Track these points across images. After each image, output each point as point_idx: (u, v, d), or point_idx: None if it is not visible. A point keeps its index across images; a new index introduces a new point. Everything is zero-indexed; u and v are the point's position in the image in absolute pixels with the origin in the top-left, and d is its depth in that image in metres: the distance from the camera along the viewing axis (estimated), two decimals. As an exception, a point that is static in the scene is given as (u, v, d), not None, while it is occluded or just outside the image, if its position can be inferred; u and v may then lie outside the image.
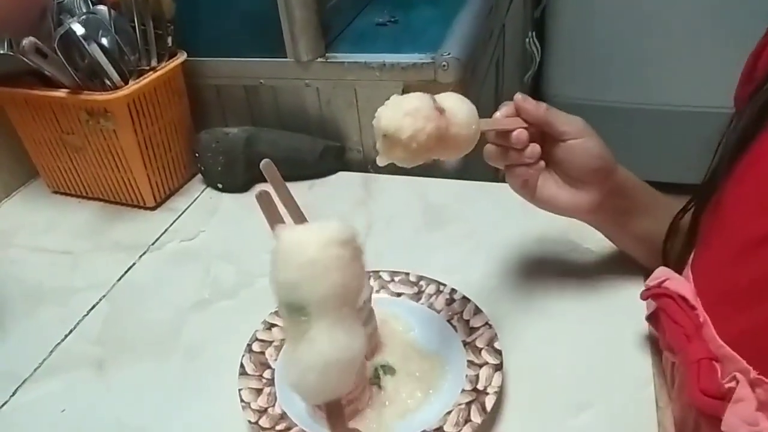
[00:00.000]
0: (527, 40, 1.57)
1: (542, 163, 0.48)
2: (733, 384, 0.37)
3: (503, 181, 0.52)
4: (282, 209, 0.43)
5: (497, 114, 0.48)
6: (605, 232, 0.56)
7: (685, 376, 0.41)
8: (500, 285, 0.58)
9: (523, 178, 0.49)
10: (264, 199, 0.39)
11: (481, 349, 0.49)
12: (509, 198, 0.71)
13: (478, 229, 0.66)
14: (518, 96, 0.47)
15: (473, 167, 0.80)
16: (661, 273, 0.46)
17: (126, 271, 0.65)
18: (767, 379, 0.35)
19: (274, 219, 0.39)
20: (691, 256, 0.45)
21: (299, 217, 0.45)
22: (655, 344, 0.50)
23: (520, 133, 0.46)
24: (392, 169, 0.78)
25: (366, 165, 0.80)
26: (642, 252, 0.56)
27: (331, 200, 0.74)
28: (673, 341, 0.42)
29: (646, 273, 0.50)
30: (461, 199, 0.72)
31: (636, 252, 0.57)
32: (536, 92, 2.05)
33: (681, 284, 0.44)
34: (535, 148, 0.47)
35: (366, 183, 0.76)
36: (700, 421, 0.40)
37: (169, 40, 0.72)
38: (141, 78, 0.68)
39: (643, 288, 0.47)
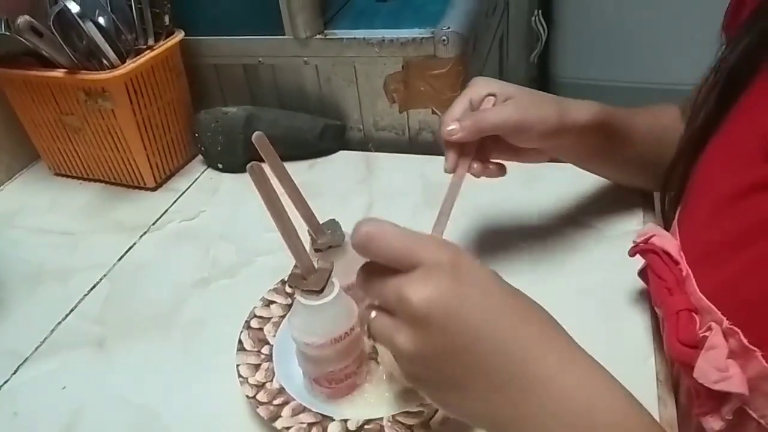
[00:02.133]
0: (533, 18, 1.55)
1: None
2: (707, 333, 0.37)
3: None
4: (276, 184, 0.42)
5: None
6: (588, 168, 0.58)
7: (666, 328, 0.41)
8: (497, 260, 0.58)
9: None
10: (257, 172, 0.38)
11: (480, 323, 0.48)
12: (508, 177, 0.71)
13: (475, 205, 0.66)
14: (447, 131, 0.47)
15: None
16: (649, 229, 0.46)
17: (127, 251, 0.65)
18: (738, 329, 0.36)
19: (267, 192, 0.39)
20: (678, 210, 0.45)
21: (293, 191, 0.44)
22: (654, 314, 0.50)
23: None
24: (393, 148, 0.79)
25: (367, 143, 0.79)
26: (630, 177, 0.59)
27: (332, 179, 0.73)
28: (656, 295, 0.43)
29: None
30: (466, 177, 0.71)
31: (626, 179, 0.59)
32: (543, 71, 2.03)
33: (666, 240, 0.44)
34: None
35: (367, 161, 0.75)
36: (680, 372, 0.40)
37: (166, 18, 0.71)
38: (138, 57, 0.68)
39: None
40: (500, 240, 0.61)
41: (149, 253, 0.65)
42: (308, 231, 0.47)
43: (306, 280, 0.42)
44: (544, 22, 1.62)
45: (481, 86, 0.49)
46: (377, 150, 0.78)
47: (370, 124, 0.78)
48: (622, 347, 0.48)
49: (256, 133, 0.42)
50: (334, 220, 0.48)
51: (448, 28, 0.69)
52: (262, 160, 0.43)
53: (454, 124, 0.47)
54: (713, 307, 0.38)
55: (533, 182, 0.67)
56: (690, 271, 0.41)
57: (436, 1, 0.78)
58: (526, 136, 0.48)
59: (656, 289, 0.43)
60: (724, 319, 0.37)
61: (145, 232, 0.68)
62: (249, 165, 0.38)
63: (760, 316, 0.35)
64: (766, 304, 0.35)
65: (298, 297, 0.42)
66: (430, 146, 0.77)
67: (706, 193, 0.42)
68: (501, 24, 1.08)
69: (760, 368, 0.34)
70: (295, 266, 0.42)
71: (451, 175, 0.51)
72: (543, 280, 0.55)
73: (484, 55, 0.91)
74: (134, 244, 0.66)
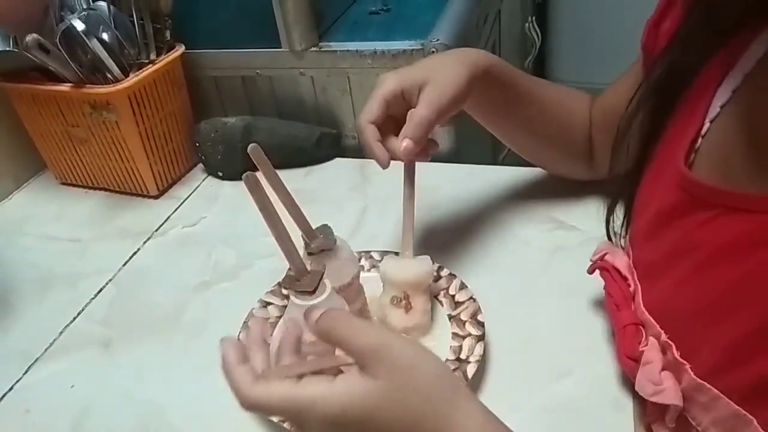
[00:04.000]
0: (527, 25, 1.58)
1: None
2: (646, 348, 0.40)
3: (495, 164, 0.56)
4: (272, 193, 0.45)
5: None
6: (496, 130, 0.61)
7: (615, 342, 0.44)
8: (486, 262, 0.61)
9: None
10: (251, 182, 0.41)
11: (465, 321, 0.51)
12: (497, 180, 0.74)
13: (466, 209, 0.68)
14: (405, 152, 0.50)
15: (464, 152, 0.82)
16: (603, 247, 0.49)
17: (131, 257, 0.68)
18: (673, 343, 0.38)
19: (261, 200, 0.42)
20: (630, 227, 0.48)
21: (287, 198, 0.47)
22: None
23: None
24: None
25: (361, 151, 0.82)
26: (539, 151, 0.64)
27: (328, 186, 0.76)
28: (607, 310, 0.46)
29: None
30: (452, 181, 0.74)
31: (525, 146, 0.64)
32: (538, 75, 2.06)
33: (618, 257, 0.47)
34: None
35: (362, 168, 0.78)
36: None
37: (167, 33, 0.74)
38: (141, 71, 0.71)
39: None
40: (484, 248, 0.63)
41: (152, 258, 0.68)
42: (302, 235, 0.50)
43: (299, 282, 0.44)
44: (538, 28, 1.65)
45: (391, 83, 0.50)
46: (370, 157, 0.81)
47: (365, 132, 0.81)
48: (602, 343, 0.51)
49: (251, 144, 0.45)
50: (326, 225, 0.51)
51: (437, 40, 0.72)
52: (258, 170, 0.46)
53: (406, 142, 0.49)
54: (653, 321, 0.41)
55: (515, 188, 0.70)
56: (639, 286, 0.44)
57: (426, 13, 0.81)
58: (454, 108, 0.51)
59: (607, 304, 0.47)
60: (663, 332, 0.40)
61: (148, 238, 0.71)
62: (244, 175, 0.41)
63: (688, 331, 0.38)
64: (692, 320, 0.38)
65: (292, 297, 0.45)
66: (423, 153, 0.79)
67: (643, 213, 0.45)
68: (493, 32, 1.11)
69: (691, 380, 0.37)
70: (290, 269, 0.45)
71: (404, 199, 0.56)
72: (529, 281, 0.58)
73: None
74: (138, 249, 0.69)
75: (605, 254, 0.48)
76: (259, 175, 0.45)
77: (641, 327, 0.43)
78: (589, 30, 1.98)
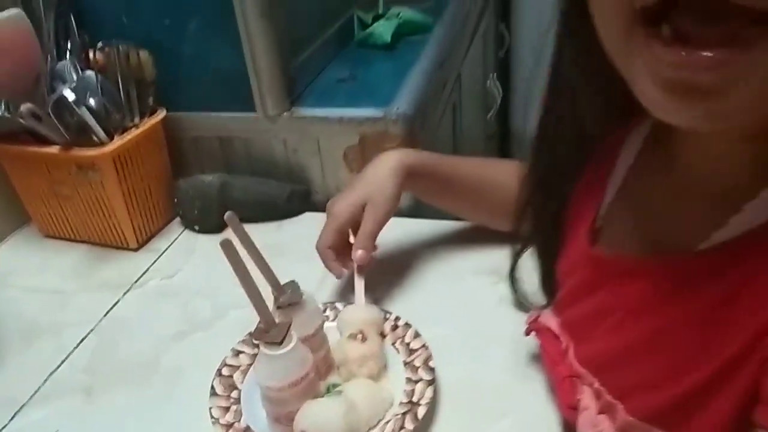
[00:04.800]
0: (488, 81, 1.69)
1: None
2: (582, 396, 0.46)
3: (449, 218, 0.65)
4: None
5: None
6: (433, 205, 0.73)
7: (556, 394, 0.50)
8: (439, 312, 0.67)
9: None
10: (227, 247, 0.47)
11: (418, 367, 0.57)
12: (452, 235, 0.81)
13: (423, 262, 0.75)
14: (359, 259, 0.65)
15: (424, 208, 0.89)
16: (534, 311, 0.55)
17: (112, 307, 0.73)
18: (604, 389, 0.44)
19: (236, 263, 0.48)
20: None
21: (258, 258, 0.53)
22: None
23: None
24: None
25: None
26: (474, 218, 0.75)
27: (298, 239, 0.82)
28: (545, 366, 0.53)
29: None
30: (412, 235, 0.81)
31: (467, 217, 0.76)
32: (502, 127, 2.16)
33: (549, 318, 0.53)
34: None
35: (328, 223, 0.84)
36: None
37: (150, 99, 0.81)
38: (125, 134, 0.77)
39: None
40: (437, 299, 0.70)
41: (132, 308, 0.73)
42: (272, 291, 0.55)
43: (268, 333, 0.50)
44: (499, 84, 1.76)
45: (339, 215, 0.66)
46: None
47: (332, 188, 0.87)
48: (540, 384, 0.57)
49: (227, 212, 0.52)
50: (293, 281, 0.57)
51: (398, 108, 0.80)
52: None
53: (360, 252, 0.65)
54: (586, 372, 0.47)
55: (468, 242, 0.77)
56: (570, 342, 0.50)
57: (389, 82, 0.89)
58: (392, 213, 0.66)
59: (545, 360, 0.53)
60: (595, 380, 0.46)
61: (128, 290, 0.75)
62: (221, 241, 0.47)
63: (616, 377, 0.44)
64: (618, 368, 0.44)
65: (262, 348, 0.50)
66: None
67: (564, 284, 0.52)
68: (453, 93, 1.20)
69: (624, 418, 0.42)
70: (260, 322, 0.51)
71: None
72: (479, 329, 0.64)
73: (436, 124, 1.02)
74: (118, 300, 0.74)
75: (538, 316, 0.55)
76: (234, 238, 0.51)
77: (576, 378, 0.48)
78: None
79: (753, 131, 0.35)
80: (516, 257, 0.59)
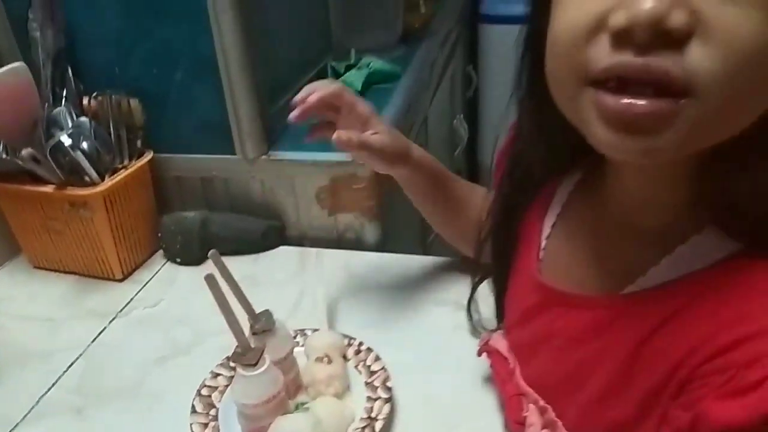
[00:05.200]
0: (455, 121, 1.79)
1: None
2: (528, 413, 0.52)
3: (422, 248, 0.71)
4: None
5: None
6: (419, 205, 0.74)
7: (504, 411, 0.57)
8: (400, 338, 0.74)
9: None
10: (210, 281, 0.55)
11: (377, 387, 0.64)
12: (416, 269, 0.88)
13: (387, 293, 0.83)
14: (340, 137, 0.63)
15: (391, 243, 0.97)
16: (486, 334, 0.62)
17: (99, 334, 0.79)
18: (549, 406, 0.50)
19: (218, 295, 0.55)
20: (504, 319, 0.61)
21: (237, 290, 0.61)
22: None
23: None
24: (324, 245, 0.96)
25: (302, 240, 0.96)
26: (447, 230, 0.77)
27: (273, 271, 0.90)
28: (495, 385, 0.59)
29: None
30: (378, 268, 0.88)
31: (445, 232, 0.77)
32: (471, 162, 2.27)
33: (498, 340, 0.59)
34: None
35: (301, 256, 0.92)
36: None
37: (139, 142, 0.88)
38: (115, 175, 0.84)
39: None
40: (399, 326, 0.77)
41: (118, 335, 0.79)
42: (248, 318, 0.63)
43: (245, 356, 0.57)
44: (466, 123, 1.86)
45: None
46: (312, 245, 0.95)
47: (306, 225, 0.95)
48: (491, 399, 0.65)
49: (211, 251, 0.59)
50: (267, 310, 0.64)
51: (365, 153, 0.88)
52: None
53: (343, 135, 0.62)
54: (532, 391, 0.52)
55: (430, 275, 0.85)
56: (517, 364, 0.55)
57: None
58: (387, 160, 0.66)
59: (496, 379, 0.58)
60: (539, 399, 0.51)
61: (114, 318, 0.82)
62: (205, 275, 0.55)
63: (558, 397, 0.50)
64: (560, 388, 0.50)
65: (239, 369, 0.57)
66: (354, 243, 0.94)
67: (513, 309, 0.58)
68: (420, 134, 1.29)
69: None
70: (237, 346, 0.58)
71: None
72: (436, 353, 0.72)
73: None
74: (105, 328, 0.80)
75: (489, 339, 0.61)
76: (216, 271, 0.58)
77: (523, 396, 0.54)
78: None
79: (678, 173, 0.41)
80: (475, 286, 0.66)
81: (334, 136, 0.62)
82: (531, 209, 0.57)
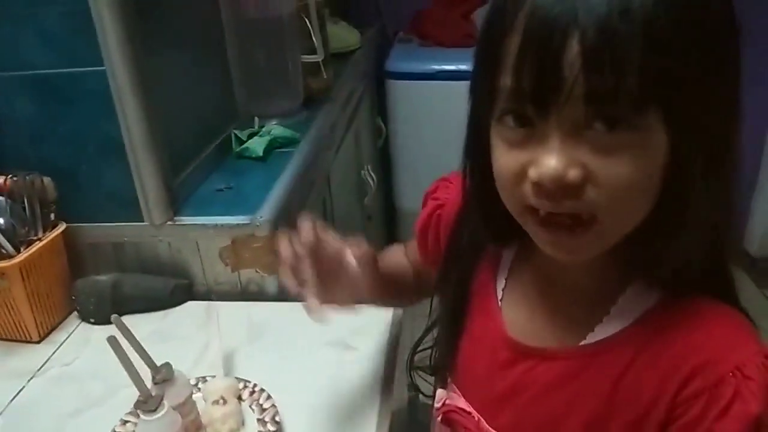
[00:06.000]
0: (363, 172, 1.94)
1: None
2: None
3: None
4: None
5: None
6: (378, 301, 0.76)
7: None
8: (294, 378, 0.85)
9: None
10: (113, 342, 0.65)
11: (267, 422, 0.76)
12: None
13: (285, 338, 0.94)
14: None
15: (288, 292, 1.08)
16: (441, 395, 0.64)
17: (17, 394, 0.86)
18: None
19: (119, 353, 0.66)
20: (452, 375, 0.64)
21: (138, 347, 0.71)
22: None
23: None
24: (229, 297, 1.06)
25: (209, 295, 1.07)
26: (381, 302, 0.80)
27: (180, 325, 0.99)
28: None
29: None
30: (277, 315, 1.00)
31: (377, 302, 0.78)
32: (387, 203, 2.41)
33: (456, 399, 0.62)
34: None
35: (207, 309, 1.02)
36: None
37: (52, 215, 0.97)
38: (30, 247, 0.93)
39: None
40: (291, 367, 0.89)
41: (35, 393, 0.87)
42: (150, 371, 0.73)
43: (146, 403, 0.67)
44: (373, 174, 2.01)
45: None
46: (218, 299, 1.06)
47: (212, 281, 1.06)
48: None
49: (113, 315, 0.69)
50: (167, 363, 0.74)
51: (261, 216, 1.00)
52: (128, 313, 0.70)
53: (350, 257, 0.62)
54: None
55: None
56: (479, 416, 0.59)
57: (260, 191, 1.08)
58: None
59: None
60: None
61: (32, 377, 0.89)
62: (107, 337, 0.65)
63: None
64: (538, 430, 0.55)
65: (141, 415, 0.67)
66: (256, 295, 1.05)
67: (474, 366, 0.61)
68: (323, 189, 1.43)
69: None
70: (140, 395, 0.68)
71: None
72: (326, 391, 0.83)
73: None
74: (23, 387, 0.88)
75: (446, 399, 0.63)
76: (118, 333, 0.69)
77: None
78: (426, 167, 2.38)
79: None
80: (418, 342, 0.70)
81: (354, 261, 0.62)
82: (480, 271, 0.62)
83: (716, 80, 0.44)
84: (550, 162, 0.43)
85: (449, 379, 0.65)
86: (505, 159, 0.48)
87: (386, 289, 0.70)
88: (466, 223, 0.62)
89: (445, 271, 0.65)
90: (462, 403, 0.61)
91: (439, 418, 0.63)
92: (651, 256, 0.49)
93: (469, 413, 0.60)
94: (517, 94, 0.44)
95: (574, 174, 0.43)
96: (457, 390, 0.63)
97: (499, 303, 0.60)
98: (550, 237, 0.48)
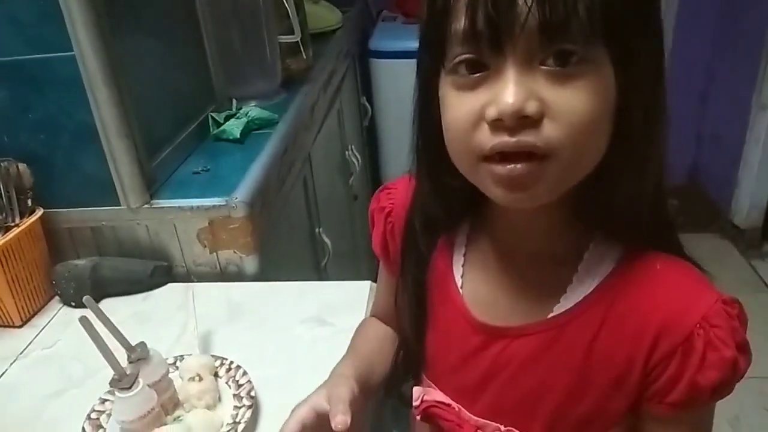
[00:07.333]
0: (347, 153, 1.94)
1: None
2: None
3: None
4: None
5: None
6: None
7: None
8: (268, 354, 0.88)
9: None
10: (84, 323, 0.67)
11: (243, 397, 0.78)
12: (289, 294, 1.01)
13: (264, 317, 0.96)
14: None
15: (273, 272, 1.10)
16: (418, 392, 0.62)
17: (1, 375, 0.88)
18: (513, 428, 0.56)
19: (92, 332, 0.67)
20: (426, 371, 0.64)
21: (113, 328, 0.73)
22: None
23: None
24: (208, 278, 1.08)
25: (189, 276, 1.08)
26: None
27: (160, 307, 1.01)
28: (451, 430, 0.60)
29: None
30: (256, 296, 1.02)
31: None
32: (375, 182, 2.42)
33: (433, 392, 0.61)
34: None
35: (186, 291, 1.04)
36: None
37: (29, 201, 0.98)
38: (8, 233, 0.94)
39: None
40: (268, 344, 0.91)
41: (17, 376, 0.89)
42: (125, 350, 0.75)
43: (120, 381, 0.69)
44: (358, 154, 2.02)
45: (304, 410, 0.61)
46: (198, 280, 1.07)
47: (190, 262, 1.07)
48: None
49: (84, 297, 0.71)
50: (143, 342, 0.76)
51: (236, 198, 1.01)
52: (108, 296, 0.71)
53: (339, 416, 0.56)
54: (489, 421, 0.57)
55: (301, 299, 0.99)
56: (459, 405, 0.59)
57: (236, 174, 1.09)
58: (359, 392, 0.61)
59: (449, 428, 0.60)
60: (501, 426, 0.56)
61: (14, 360, 0.91)
62: (79, 317, 0.67)
63: (518, 418, 0.56)
64: (519, 410, 0.56)
65: (117, 392, 0.69)
66: (235, 275, 1.07)
67: (444, 358, 0.61)
68: (303, 170, 1.43)
69: None
70: (115, 374, 0.70)
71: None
72: (301, 367, 0.85)
73: (284, 199, 1.23)
74: (6, 370, 0.89)
75: (423, 394, 0.61)
76: (91, 314, 0.70)
77: (480, 430, 0.58)
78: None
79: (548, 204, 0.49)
80: (395, 365, 0.68)
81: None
82: (435, 263, 0.61)
83: (650, 24, 0.48)
84: (508, 97, 0.44)
85: (422, 375, 0.65)
86: (458, 106, 0.48)
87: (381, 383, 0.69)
88: (417, 211, 0.61)
89: (402, 270, 0.65)
90: (440, 396, 0.61)
91: (419, 417, 0.62)
92: (603, 202, 0.51)
93: (449, 405, 0.60)
94: (471, 36, 0.46)
95: (532, 106, 0.44)
96: (432, 384, 0.63)
97: (460, 289, 0.60)
98: (506, 174, 0.47)
